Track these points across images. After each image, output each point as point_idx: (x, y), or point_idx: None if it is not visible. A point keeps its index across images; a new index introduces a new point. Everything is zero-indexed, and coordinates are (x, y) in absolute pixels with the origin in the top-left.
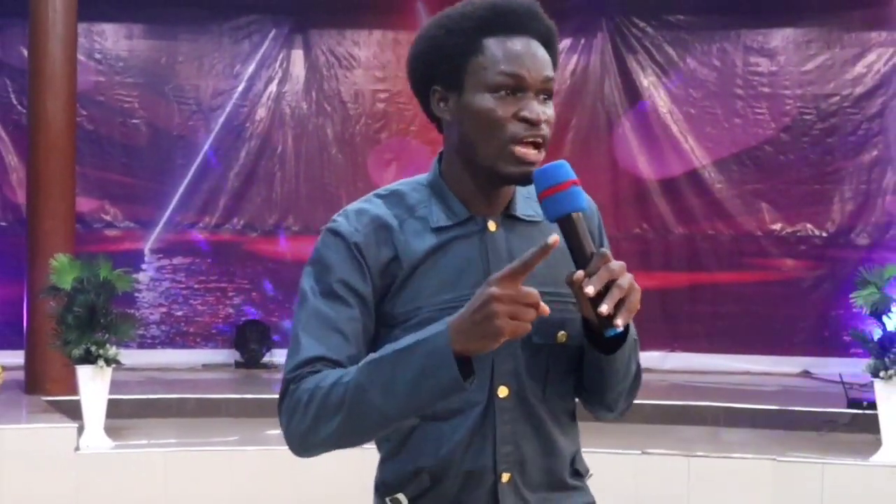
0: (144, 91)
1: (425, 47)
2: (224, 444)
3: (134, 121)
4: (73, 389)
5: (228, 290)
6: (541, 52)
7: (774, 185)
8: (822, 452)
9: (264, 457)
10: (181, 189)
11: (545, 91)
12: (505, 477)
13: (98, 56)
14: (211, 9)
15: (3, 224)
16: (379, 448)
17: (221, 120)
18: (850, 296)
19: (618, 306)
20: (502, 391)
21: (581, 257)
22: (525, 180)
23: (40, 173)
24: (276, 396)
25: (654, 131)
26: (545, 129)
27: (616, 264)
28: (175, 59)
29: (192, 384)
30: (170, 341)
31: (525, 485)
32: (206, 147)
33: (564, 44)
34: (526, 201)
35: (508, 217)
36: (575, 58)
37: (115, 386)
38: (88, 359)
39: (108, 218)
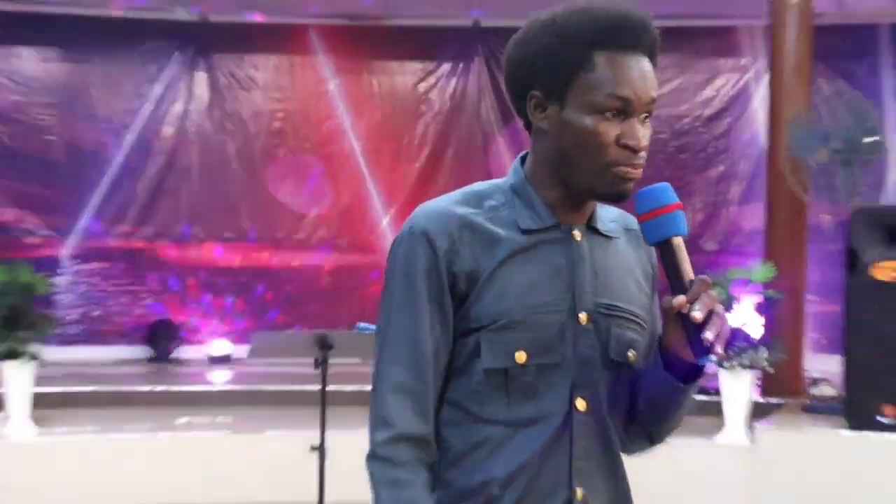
0: (60, 110)
1: (530, 51)
2: (137, 432)
3: (50, 137)
4: None
5: (140, 292)
6: (650, 71)
7: (632, 197)
8: (674, 433)
9: (174, 443)
10: (95, 200)
11: (649, 112)
12: (579, 493)
13: (17, 78)
14: (121, 34)
15: None
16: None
17: (131, 137)
18: None
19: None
20: (581, 404)
21: (679, 282)
22: (621, 198)
23: None
24: (185, 389)
25: (526, 149)
26: (644, 154)
27: (714, 292)
28: (88, 80)
29: (108, 377)
30: (87, 339)
31: (594, 501)
32: (117, 162)
33: (444, 68)
34: (602, 217)
35: (590, 228)
36: (454, 81)
37: (37, 380)
38: (12, 355)
39: (27, 227)
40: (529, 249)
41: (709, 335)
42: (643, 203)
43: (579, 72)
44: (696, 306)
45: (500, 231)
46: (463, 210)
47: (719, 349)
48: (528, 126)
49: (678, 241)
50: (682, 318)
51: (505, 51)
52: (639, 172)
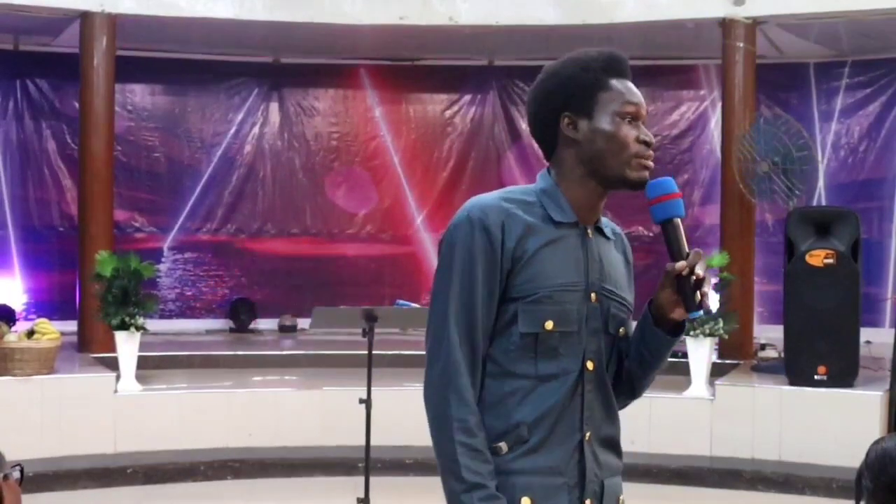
0: (163, 133)
1: (560, 81)
2: (221, 388)
3: (155, 154)
4: (113, 348)
5: (224, 277)
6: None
7: (615, 198)
8: (650, 390)
9: (250, 396)
10: (189, 204)
11: (645, 121)
12: (588, 435)
13: (129, 107)
14: (212, 73)
15: (62, 229)
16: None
17: (219, 153)
18: None
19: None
20: (590, 364)
21: (679, 252)
22: (642, 185)
23: (88, 192)
24: (259, 353)
25: (531, 161)
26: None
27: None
28: (185, 109)
29: (198, 344)
30: (182, 313)
31: (597, 442)
32: (207, 173)
33: (465, 99)
34: (605, 223)
35: (597, 229)
36: (473, 108)
37: (142, 346)
38: (123, 326)
39: (136, 225)
40: (558, 240)
41: (706, 289)
42: (653, 190)
43: (600, 91)
44: (698, 268)
45: (537, 222)
46: (507, 205)
47: (709, 303)
48: (545, 145)
49: (677, 221)
50: (678, 280)
51: (531, 95)
52: (652, 162)
